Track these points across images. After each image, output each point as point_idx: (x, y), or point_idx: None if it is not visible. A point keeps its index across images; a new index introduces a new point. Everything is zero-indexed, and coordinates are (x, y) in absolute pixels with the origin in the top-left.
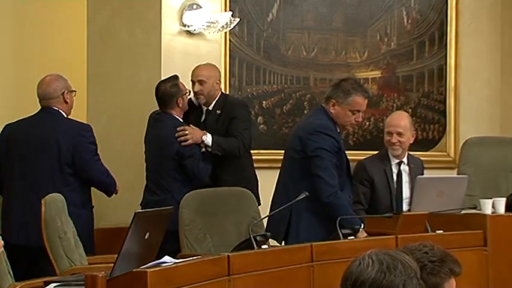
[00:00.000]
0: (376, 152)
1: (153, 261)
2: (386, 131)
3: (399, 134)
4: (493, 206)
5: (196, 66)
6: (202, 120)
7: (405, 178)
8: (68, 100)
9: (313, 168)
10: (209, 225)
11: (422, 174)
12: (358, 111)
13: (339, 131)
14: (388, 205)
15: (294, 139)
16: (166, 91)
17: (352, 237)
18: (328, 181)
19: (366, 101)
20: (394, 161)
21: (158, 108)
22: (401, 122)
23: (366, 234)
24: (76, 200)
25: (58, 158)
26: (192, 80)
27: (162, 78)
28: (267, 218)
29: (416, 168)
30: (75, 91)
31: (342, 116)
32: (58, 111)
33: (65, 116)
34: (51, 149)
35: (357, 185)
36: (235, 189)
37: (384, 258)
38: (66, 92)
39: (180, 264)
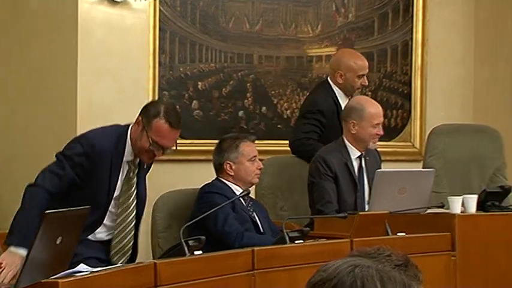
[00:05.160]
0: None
1: (67, 270)
2: (374, 123)
3: (381, 124)
4: (462, 205)
5: (356, 55)
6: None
7: (365, 174)
8: None
9: None
10: None
11: (380, 167)
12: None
13: None
14: (353, 204)
15: None
16: None
17: (301, 241)
18: None
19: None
20: (355, 154)
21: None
22: (381, 110)
23: None
24: None
25: None
26: (360, 74)
27: (79, 56)
28: None
29: (373, 161)
30: None
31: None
32: None
33: None
34: None
35: (320, 183)
36: None
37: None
38: None
39: (97, 273)
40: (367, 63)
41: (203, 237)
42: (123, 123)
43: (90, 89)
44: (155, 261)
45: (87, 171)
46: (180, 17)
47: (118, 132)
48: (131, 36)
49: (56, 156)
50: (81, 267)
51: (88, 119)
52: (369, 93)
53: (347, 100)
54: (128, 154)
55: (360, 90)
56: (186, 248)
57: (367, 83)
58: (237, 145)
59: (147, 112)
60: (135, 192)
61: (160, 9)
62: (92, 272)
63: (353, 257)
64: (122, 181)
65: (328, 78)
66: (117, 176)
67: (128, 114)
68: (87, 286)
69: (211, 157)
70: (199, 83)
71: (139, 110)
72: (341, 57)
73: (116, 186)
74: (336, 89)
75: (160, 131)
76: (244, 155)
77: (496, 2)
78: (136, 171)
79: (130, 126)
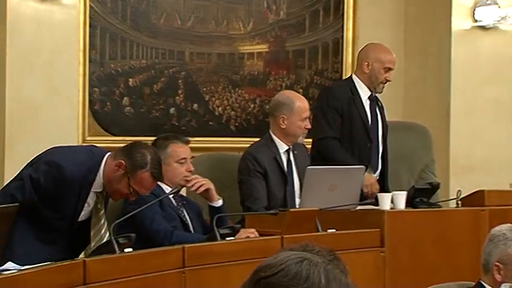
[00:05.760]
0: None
1: None
2: (303, 117)
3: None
4: (392, 201)
5: (386, 49)
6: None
7: (294, 167)
8: None
9: None
10: None
11: (309, 159)
12: None
13: None
14: (282, 198)
15: None
16: None
17: (231, 238)
18: None
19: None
20: (283, 148)
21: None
22: (308, 104)
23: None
24: None
25: None
26: (386, 67)
27: (7, 52)
28: None
29: (301, 154)
30: None
31: None
32: None
33: None
34: None
35: (250, 180)
36: None
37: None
38: None
39: (25, 271)
40: (395, 60)
41: (133, 234)
42: (95, 148)
43: (19, 86)
44: (84, 258)
45: (51, 197)
46: (110, 13)
47: (91, 163)
48: (61, 33)
49: (21, 175)
50: (9, 265)
51: (17, 116)
52: (300, 90)
53: (369, 94)
54: (97, 185)
55: (383, 85)
56: (116, 246)
57: (391, 79)
58: (166, 145)
59: (133, 160)
60: (106, 223)
61: (90, 5)
62: (19, 270)
63: (304, 252)
64: (89, 212)
65: (353, 74)
66: (82, 205)
67: (57, 111)
68: (15, 284)
69: None
70: (130, 79)
71: (121, 150)
72: (370, 48)
73: (80, 215)
74: (358, 83)
75: (144, 182)
76: (172, 156)
77: (425, 0)
78: (103, 201)
79: (105, 158)
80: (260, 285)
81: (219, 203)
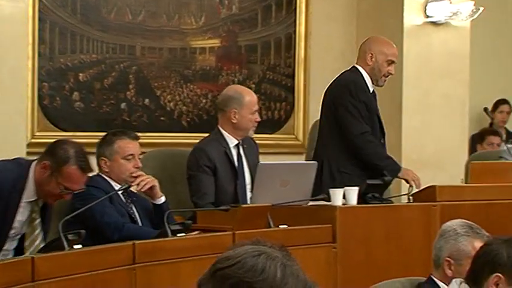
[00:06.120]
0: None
1: None
2: (253, 110)
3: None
4: (344, 197)
5: (389, 42)
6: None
7: (245, 161)
8: None
9: None
10: None
11: (257, 153)
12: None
13: None
14: (233, 193)
15: None
16: None
17: (182, 234)
18: None
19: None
20: (233, 143)
21: None
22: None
23: None
24: None
25: None
26: (389, 60)
27: None
28: None
29: (250, 148)
30: None
31: None
32: None
33: None
34: None
35: (198, 175)
36: None
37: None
38: None
39: None
40: (397, 53)
41: (83, 231)
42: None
43: None
44: (32, 255)
45: None
46: (60, 6)
47: (17, 170)
48: (9, 26)
49: None
50: None
51: None
52: (253, 85)
53: (372, 89)
54: (29, 194)
55: (385, 79)
56: (65, 242)
57: (393, 73)
58: (113, 141)
59: (55, 157)
60: (41, 234)
61: None
62: None
63: (263, 246)
64: (22, 222)
65: (356, 65)
66: (13, 214)
67: (6, 106)
68: None
69: (92, 150)
70: (80, 74)
71: (44, 151)
72: (373, 41)
73: (11, 226)
74: (365, 75)
75: (72, 177)
76: (119, 152)
77: None
78: (39, 210)
79: (33, 165)
80: (216, 277)
81: (162, 200)
